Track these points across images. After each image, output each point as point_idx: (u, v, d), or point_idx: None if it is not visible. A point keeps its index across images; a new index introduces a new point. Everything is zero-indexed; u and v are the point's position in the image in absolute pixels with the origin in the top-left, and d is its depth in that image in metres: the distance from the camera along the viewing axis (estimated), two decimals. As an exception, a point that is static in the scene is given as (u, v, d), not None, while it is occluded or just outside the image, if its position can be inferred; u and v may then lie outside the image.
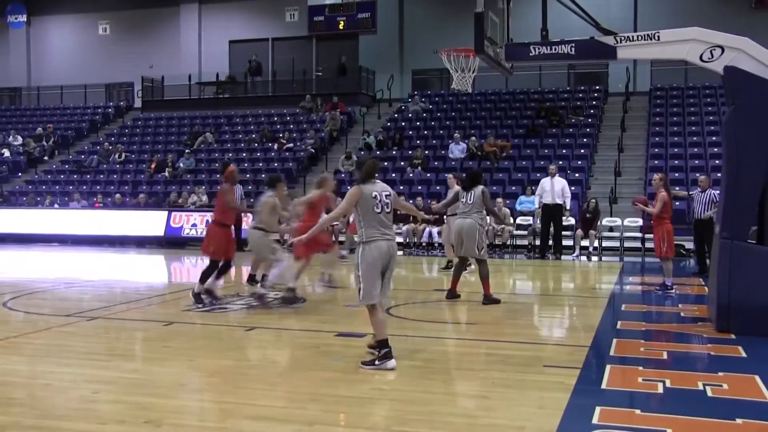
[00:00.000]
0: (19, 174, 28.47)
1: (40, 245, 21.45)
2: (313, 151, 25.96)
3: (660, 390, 5.92)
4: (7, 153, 29.38)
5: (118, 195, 23.94)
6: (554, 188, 17.85)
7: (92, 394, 5.89)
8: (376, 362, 6.69)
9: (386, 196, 6.93)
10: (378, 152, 24.99)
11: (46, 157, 29.58)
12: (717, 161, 21.20)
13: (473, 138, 23.90)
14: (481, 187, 10.59)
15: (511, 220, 19.53)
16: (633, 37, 9.52)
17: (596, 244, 18.71)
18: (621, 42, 9.50)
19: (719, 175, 10.89)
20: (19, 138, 30.27)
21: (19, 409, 5.53)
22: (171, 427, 5.09)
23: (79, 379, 6.38)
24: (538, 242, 18.62)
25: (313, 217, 10.77)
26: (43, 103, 35.18)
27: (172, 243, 21.24)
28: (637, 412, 5.35)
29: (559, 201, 17.83)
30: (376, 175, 7.06)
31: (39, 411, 5.49)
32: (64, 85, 34.82)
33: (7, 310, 10.14)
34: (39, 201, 24.43)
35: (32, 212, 23.60)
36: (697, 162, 21.58)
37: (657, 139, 23.53)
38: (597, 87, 27.60)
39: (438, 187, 21.83)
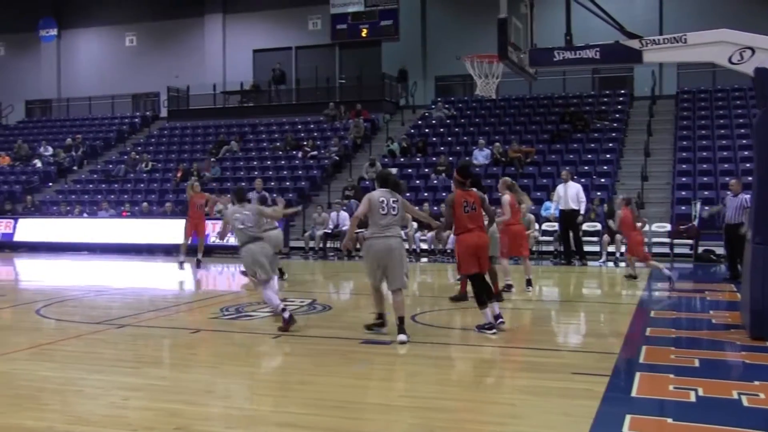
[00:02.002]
0: (50, 184, 28.80)
1: (70, 254, 21.66)
2: (338, 158, 26.00)
3: (692, 398, 5.81)
4: (38, 163, 29.76)
5: (145, 204, 24.12)
6: (568, 194, 17.77)
7: (122, 401, 5.94)
8: (374, 328, 8.59)
9: (393, 201, 8.31)
10: (402, 159, 24.99)
11: (75, 167, 29.91)
12: (747, 165, 20.91)
13: (497, 144, 23.81)
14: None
15: (536, 226, 19.41)
16: (659, 40, 9.43)
17: (623, 249, 18.51)
18: (647, 45, 9.42)
19: (750, 179, 10.75)
20: (50, 148, 30.65)
21: (53, 415, 5.58)
22: (199, 435, 5.11)
23: (109, 386, 6.43)
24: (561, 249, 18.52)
25: (515, 217, 12.00)
26: (73, 114, 35.63)
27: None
28: (669, 420, 5.27)
29: (573, 206, 17.73)
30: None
31: (72, 417, 5.54)
32: (92, 96, 35.24)
33: (40, 317, 10.26)
34: (69, 210, 24.68)
35: (62, 221, 23.84)
36: (726, 166, 21.33)
37: (684, 143, 23.28)
38: (622, 91, 27.40)
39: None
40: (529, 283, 12.47)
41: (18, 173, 29.38)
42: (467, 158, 23.81)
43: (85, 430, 5.21)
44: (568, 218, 17.82)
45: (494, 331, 8.48)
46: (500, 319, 8.74)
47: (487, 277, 9.19)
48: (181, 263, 16.25)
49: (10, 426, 5.29)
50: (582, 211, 18.14)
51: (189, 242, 16.99)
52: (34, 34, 36.69)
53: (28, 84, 36.75)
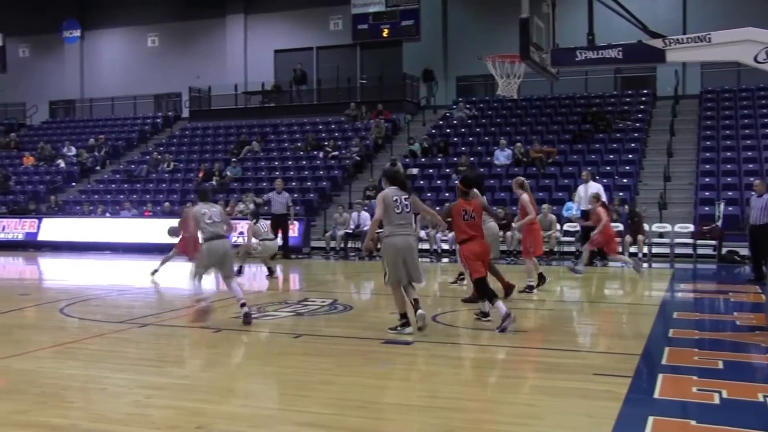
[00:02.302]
0: (73, 184, 29.07)
1: (92, 253, 21.86)
2: (359, 158, 26.03)
3: (716, 401, 5.76)
4: (62, 163, 30.06)
5: (167, 203, 24.29)
6: (588, 194, 17.66)
7: (145, 399, 5.99)
8: (398, 328, 8.49)
9: (405, 199, 8.51)
10: (423, 159, 24.99)
11: (98, 167, 30.17)
12: (772, 165, 20.78)
13: (519, 144, 23.74)
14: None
15: (558, 227, 19.37)
16: (682, 39, 9.40)
17: (645, 250, 18.40)
18: (670, 45, 9.39)
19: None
20: (73, 149, 30.93)
21: (77, 413, 5.65)
22: (222, 433, 5.15)
23: (132, 385, 6.50)
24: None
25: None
26: (96, 115, 35.95)
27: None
28: (693, 423, 5.22)
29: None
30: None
31: (95, 414, 5.60)
32: (114, 96, 35.53)
33: (64, 316, 10.37)
34: (92, 210, 24.91)
35: (85, 221, 24.08)
36: (751, 166, 21.14)
37: (708, 143, 23.11)
38: (645, 91, 27.22)
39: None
40: (542, 276, 12.49)
41: (42, 173, 29.70)
42: (488, 158, 23.78)
43: (108, 428, 5.26)
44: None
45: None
46: (489, 317, 9.09)
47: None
48: (154, 271, 15.39)
49: (35, 423, 5.36)
50: None
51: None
52: (58, 36, 37.09)
53: (52, 85, 37.16)
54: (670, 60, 9.66)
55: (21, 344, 8.35)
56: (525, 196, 11.88)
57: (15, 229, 24.45)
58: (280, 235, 19.70)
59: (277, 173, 25.03)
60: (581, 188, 18.04)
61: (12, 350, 7.82)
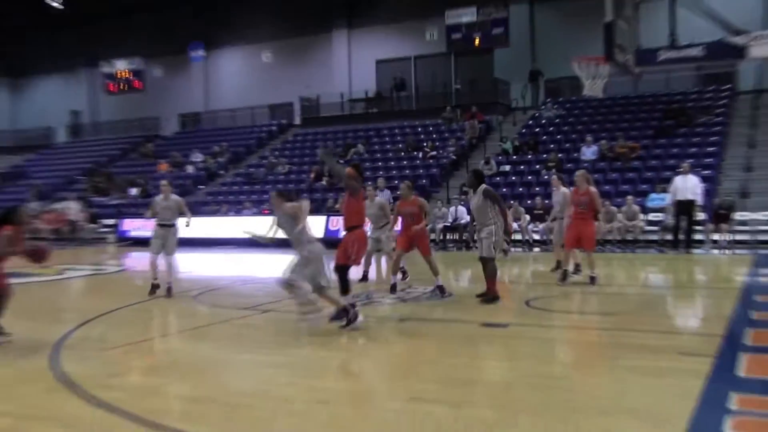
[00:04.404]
0: (201, 186, 30.13)
1: (219, 248, 22.62)
2: (455, 157, 26.01)
3: (798, 378, 5.57)
4: (191, 169, 31.22)
5: (283, 202, 24.80)
6: (687, 185, 17.15)
7: (269, 377, 6.21)
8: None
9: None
10: (515, 157, 24.75)
11: (222, 172, 31.16)
12: None
13: (604, 141, 23.20)
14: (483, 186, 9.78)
15: (642, 217, 18.85)
16: (765, 35, 9.02)
17: (728, 237, 17.70)
18: (752, 41, 9.03)
19: None
20: (200, 155, 32.07)
21: (210, 387, 5.89)
22: (339, 406, 5.32)
23: (257, 363, 6.74)
24: (668, 237, 17.89)
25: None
26: (219, 125, 37.09)
27: (330, 244, 21.68)
28: (775, 399, 5.08)
29: (691, 197, 17.10)
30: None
31: (227, 389, 5.83)
32: (234, 108, 36.60)
33: (197, 303, 10.83)
34: (217, 209, 25.75)
35: (212, 219, 24.90)
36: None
37: (791, 134, 21.98)
38: (726, 86, 26.06)
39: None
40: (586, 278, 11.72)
41: (173, 178, 30.85)
42: (576, 154, 23.32)
43: (237, 400, 5.46)
44: (686, 208, 17.19)
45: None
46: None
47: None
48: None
49: (177, 395, 5.68)
50: (700, 202, 17.45)
51: None
52: (185, 56, 38.52)
53: (181, 99, 38.65)
54: (753, 56, 9.29)
55: (161, 327, 8.78)
56: (594, 190, 11.50)
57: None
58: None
59: (381, 173, 25.27)
60: (679, 179, 17.40)
61: (154, 332, 8.24)
